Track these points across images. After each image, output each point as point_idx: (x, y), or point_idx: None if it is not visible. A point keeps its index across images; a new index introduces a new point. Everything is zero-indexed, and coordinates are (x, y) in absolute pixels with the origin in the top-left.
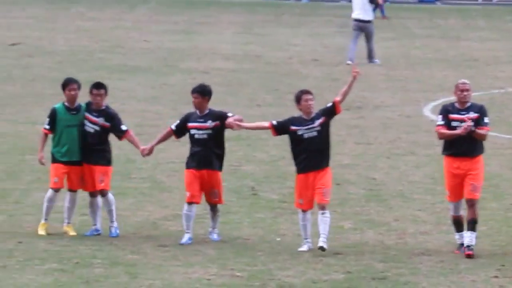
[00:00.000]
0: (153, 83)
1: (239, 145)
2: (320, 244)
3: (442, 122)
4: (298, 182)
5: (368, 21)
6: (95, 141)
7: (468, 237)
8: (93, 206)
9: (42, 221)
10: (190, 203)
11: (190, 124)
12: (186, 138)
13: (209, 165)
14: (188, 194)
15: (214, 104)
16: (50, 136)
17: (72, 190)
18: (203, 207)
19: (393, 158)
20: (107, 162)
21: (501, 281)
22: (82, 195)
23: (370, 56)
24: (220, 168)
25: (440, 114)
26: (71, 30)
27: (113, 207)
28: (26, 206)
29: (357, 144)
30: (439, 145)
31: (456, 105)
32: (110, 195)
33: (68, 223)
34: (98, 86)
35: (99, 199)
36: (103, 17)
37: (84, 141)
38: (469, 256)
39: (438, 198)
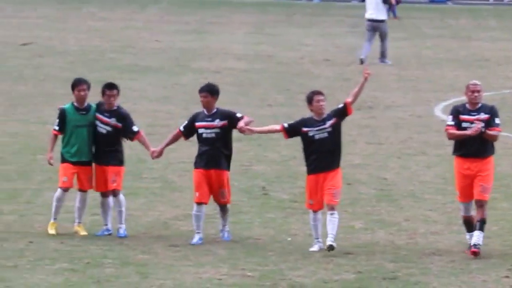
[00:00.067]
0: (165, 83)
1: (250, 145)
2: (329, 242)
3: (452, 123)
4: (308, 182)
5: (382, 21)
6: (108, 141)
7: (476, 236)
8: (104, 206)
9: (51, 221)
10: (199, 203)
11: (198, 124)
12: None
13: (217, 165)
14: (197, 194)
15: (225, 104)
16: (60, 136)
17: (82, 190)
18: (213, 207)
19: (404, 158)
20: (120, 162)
21: None
22: (93, 195)
23: (383, 56)
24: (228, 167)
25: (451, 114)
26: (82, 30)
27: (123, 209)
28: (37, 206)
29: (368, 144)
30: (450, 145)
31: (467, 106)
32: (122, 196)
33: (79, 223)
34: (111, 87)
35: (111, 200)
36: (114, 17)
37: (97, 142)
38: (474, 254)
39: (449, 198)
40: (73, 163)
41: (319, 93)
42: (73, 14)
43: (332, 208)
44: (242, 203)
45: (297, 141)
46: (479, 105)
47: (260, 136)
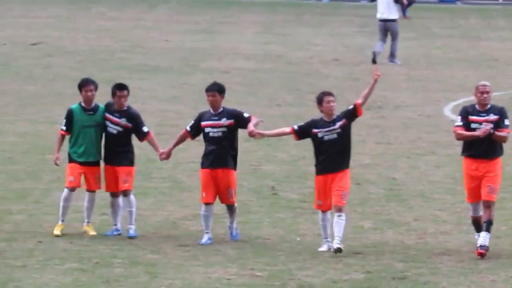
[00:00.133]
0: (174, 83)
1: (259, 145)
2: (336, 246)
3: (460, 123)
4: (317, 183)
5: (393, 20)
6: (119, 142)
7: (482, 237)
8: (114, 207)
9: (59, 223)
10: (206, 204)
11: (204, 123)
12: None
13: (224, 164)
14: (203, 194)
15: (234, 104)
16: (67, 136)
17: (90, 190)
18: (222, 206)
19: (413, 158)
20: (130, 162)
21: None
22: (102, 195)
23: (392, 56)
24: (234, 167)
25: (460, 115)
26: (92, 30)
27: (134, 209)
28: (46, 206)
29: (377, 144)
30: (459, 145)
31: (476, 106)
32: (132, 196)
33: (88, 222)
34: (121, 87)
35: (121, 200)
36: (124, 17)
37: (107, 142)
38: (481, 255)
39: (458, 198)
40: (80, 163)
41: (329, 94)
42: (83, 14)
43: (339, 210)
44: (251, 203)
45: (306, 141)
46: (488, 106)
47: None
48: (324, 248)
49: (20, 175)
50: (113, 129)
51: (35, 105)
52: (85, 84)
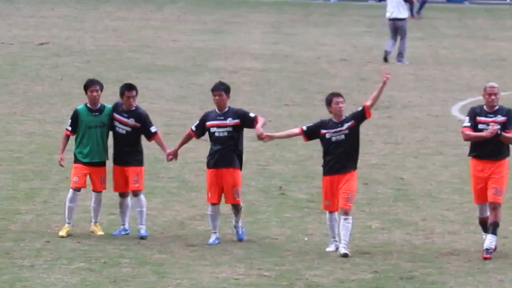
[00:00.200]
0: (181, 83)
1: (267, 144)
2: (343, 251)
3: (468, 124)
4: (324, 184)
5: (403, 19)
6: (128, 142)
7: (488, 239)
8: (122, 207)
9: (65, 225)
10: (212, 204)
11: (209, 123)
12: None
13: (229, 164)
14: (209, 195)
15: (242, 104)
16: (73, 137)
17: (95, 191)
18: (229, 206)
19: (421, 158)
20: (140, 162)
21: None
22: (110, 195)
23: (400, 55)
24: (240, 166)
25: (467, 115)
26: (100, 30)
27: (144, 209)
28: (53, 206)
29: (385, 144)
30: (467, 145)
31: (484, 107)
32: (142, 196)
33: (95, 222)
34: (130, 88)
35: (129, 200)
36: (132, 17)
37: (116, 142)
38: (486, 259)
39: (466, 198)
40: (86, 164)
41: (338, 95)
42: (91, 13)
43: (345, 213)
44: (259, 203)
45: (314, 141)
46: (497, 107)
47: None
48: (331, 248)
49: (28, 175)
50: (121, 129)
51: (43, 105)
52: (90, 85)
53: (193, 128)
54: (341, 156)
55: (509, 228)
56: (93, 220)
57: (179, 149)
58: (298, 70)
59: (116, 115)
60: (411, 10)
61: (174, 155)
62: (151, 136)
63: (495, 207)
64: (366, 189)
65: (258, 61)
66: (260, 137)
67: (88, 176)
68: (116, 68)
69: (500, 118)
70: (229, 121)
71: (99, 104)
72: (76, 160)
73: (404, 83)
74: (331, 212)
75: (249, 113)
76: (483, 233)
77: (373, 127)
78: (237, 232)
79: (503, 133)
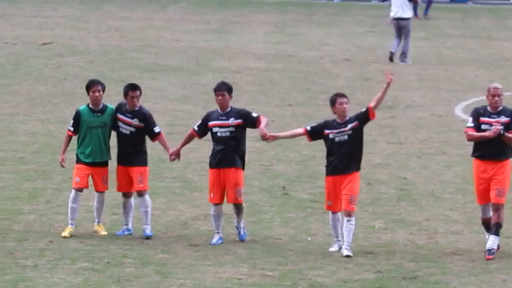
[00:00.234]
0: (185, 83)
1: (271, 144)
2: (345, 253)
3: (471, 124)
4: (326, 184)
5: (407, 19)
6: (132, 142)
7: (491, 240)
8: (126, 207)
9: (68, 226)
10: (215, 204)
11: (211, 123)
12: None
13: (231, 164)
14: (211, 195)
15: (245, 104)
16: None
17: (98, 191)
18: (232, 206)
19: (424, 158)
20: (144, 162)
21: None
22: (113, 195)
23: (404, 55)
24: (242, 166)
25: (471, 116)
26: (103, 30)
27: (149, 209)
28: (57, 206)
29: (388, 144)
30: (470, 145)
31: (488, 108)
32: (147, 196)
33: (98, 222)
34: (134, 88)
35: (133, 200)
36: (135, 17)
37: (120, 143)
38: (488, 259)
39: (469, 198)
40: (87, 164)
41: (342, 95)
42: (94, 13)
43: (348, 214)
44: (262, 203)
45: (317, 141)
46: (500, 108)
47: None
48: (334, 248)
49: (31, 175)
50: (125, 129)
51: (46, 105)
52: (92, 85)
53: (195, 128)
54: (344, 156)
55: None
56: (96, 220)
57: (181, 149)
58: (301, 70)
59: (120, 116)
60: (415, 10)
61: (176, 155)
62: (154, 136)
63: (497, 208)
64: (369, 189)
65: (261, 61)
66: (264, 138)
67: (90, 177)
68: (119, 68)
69: (504, 119)
70: (231, 121)
71: (101, 105)
72: (78, 161)
73: (407, 83)
74: (334, 212)
75: (252, 113)
76: (486, 233)
77: (376, 127)
78: (239, 232)
79: (506, 134)
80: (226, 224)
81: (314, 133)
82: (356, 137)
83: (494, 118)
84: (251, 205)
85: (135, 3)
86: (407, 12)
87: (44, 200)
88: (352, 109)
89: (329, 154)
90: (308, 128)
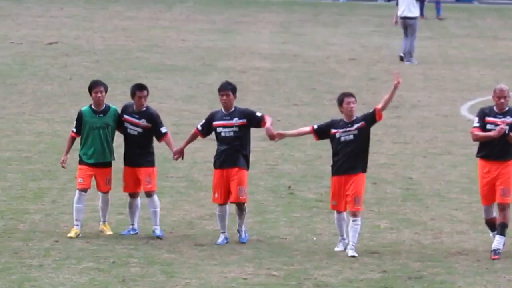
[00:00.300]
0: (190, 82)
1: (276, 144)
2: (350, 253)
3: (477, 124)
4: (332, 184)
5: (414, 18)
6: (140, 143)
7: (496, 240)
8: (132, 207)
9: (74, 227)
10: (219, 204)
11: (216, 123)
12: None
13: (235, 164)
14: (216, 195)
15: (251, 103)
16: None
17: (101, 191)
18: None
19: (429, 158)
20: (151, 163)
21: None
22: (119, 195)
23: (409, 54)
24: (246, 166)
25: (477, 116)
26: (109, 29)
27: (158, 209)
28: (62, 205)
29: (394, 143)
30: (475, 145)
31: (494, 108)
32: (156, 197)
33: (104, 221)
34: (141, 88)
35: (139, 200)
36: (141, 16)
37: (128, 144)
38: (494, 259)
39: (474, 198)
40: (90, 165)
41: (350, 95)
42: (100, 13)
43: (354, 215)
44: (268, 202)
45: (322, 140)
46: (506, 108)
47: None
48: (340, 247)
49: (37, 174)
50: (133, 130)
51: (52, 104)
52: (95, 86)
53: (199, 127)
54: (349, 156)
55: None
56: (101, 219)
57: (185, 147)
58: (307, 70)
59: (127, 117)
60: (421, 9)
61: (180, 154)
62: (161, 136)
63: (503, 208)
64: (375, 188)
65: (267, 61)
66: (272, 137)
67: (93, 177)
68: (125, 67)
69: (510, 119)
70: (235, 121)
71: (104, 105)
72: (81, 161)
73: (413, 82)
74: (339, 212)
75: (256, 112)
76: (490, 232)
77: (382, 127)
78: (240, 236)
79: (511, 134)
80: (232, 224)
81: (321, 132)
82: (362, 137)
83: (500, 118)
84: (256, 204)
85: (141, 3)
86: (414, 11)
87: (50, 199)
88: (358, 109)
89: (334, 154)
90: (315, 126)
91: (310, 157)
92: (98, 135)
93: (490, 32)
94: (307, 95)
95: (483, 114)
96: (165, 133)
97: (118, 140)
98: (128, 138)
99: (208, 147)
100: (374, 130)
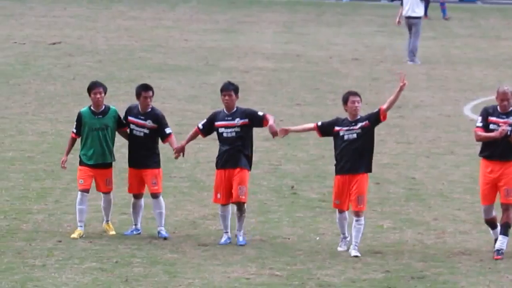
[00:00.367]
0: (193, 82)
1: (279, 144)
2: (353, 253)
3: (480, 124)
4: (335, 182)
5: (418, 18)
6: (146, 144)
7: (499, 241)
8: (136, 208)
9: (78, 228)
10: (222, 204)
11: (218, 123)
12: None
13: (237, 164)
14: (218, 196)
15: (254, 103)
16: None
17: (102, 192)
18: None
19: (432, 158)
20: (158, 164)
21: None
22: (122, 195)
23: (412, 54)
24: (247, 167)
25: (480, 115)
26: (112, 29)
27: (164, 210)
28: (65, 205)
29: (397, 143)
30: (478, 144)
31: (498, 108)
32: (161, 198)
33: (107, 221)
34: (147, 88)
35: (142, 201)
36: (144, 16)
37: (134, 145)
38: (497, 259)
39: (477, 198)
40: (90, 166)
41: (355, 94)
42: (103, 13)
43: (357, 215)
44: (270, 202)
45: (325, 140)
46: (510, 109)
47: (289, 135)
48: (343, 247)
49: (40, 174)
50: (139, 132)
51: (55, 104)
52: (94, 87)
53: (200, 126)
54: (352, 155)
55: None
56: (104, 219)
57: (186, 144)
58: (310, 70)
59: (132, 118)
60: (425, 9)
61: (181, 151)
62: (165, 137)
63: (507, 208)
64: (378, 188)
65: (270, 61)
66: (274, 134)
67: (93, 178)
68: (128, 67)
69: None
70: (237, 121)
71: (103, 107)
72: (81, 162)
73: (416, 82)
74: (341, 211)
75: (258, 112)
76: (491, 230)
77: (385, 127)
78: (238, 239)
79: None
80: (235, 224)
81: (325, 129)
82: (365, 137)
83: (503, 118)
84: (259, 204)
85: (144, 3)
86: (417, 11)
87: (53, 199)
88: (361, 109)
89: (337, 153)
90: (319, 123)
91: (313, 157)
92: (97, 136)
93: (493, 32)
94: (310, 95)
95: (486, 114)
96: (169, 134)
97: (122, 140)
98: (133, 139)
99: (211, 147)
100: (377, 130)
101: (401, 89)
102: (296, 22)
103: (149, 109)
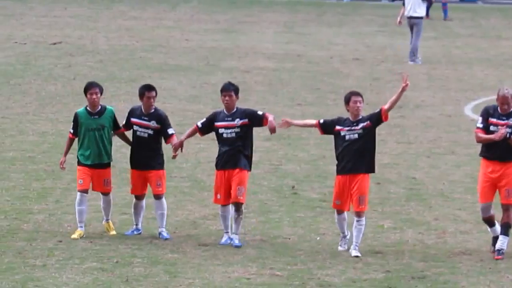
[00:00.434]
0: (194, 82)
1: (280, 144)
2: (354, 254)
3: (480, 125)
4: (336, 183)
5: (420, 18)
6: (150, 145)
7: (500, 241)
8: (137, 208)
9: (78, 229)
10: (223, 205)
11: (217, 124)
12: None
13: (236, 165)
14: (218, 196)
15: (255, 103)
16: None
17: (101, 192)
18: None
19: (433, 157)
20: (162, 165)
21: None
22: (123, 195)
23: (413, 54)
24: (247, 168)
25: (481, 116)
26: (113, 29)
27: (165, 212)
28: (66, 205)
29: (397, 143)
30: (479, 145)
31: (499, 109)
32: (164, 199)
33: (107, 220)
34: (150, 88)
35: (144, 202)
36: (145, 16)
37: (137, 147)
38: (497, 259)
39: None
40: (88, 166)
41: (357, 94)
42: (104, 13)
43: (358, 215)
44: (271, 202)
45: (326, 140)
46: (511, 110)
47: (290, 135)
48: (343, 247)
49: (41, 174)
50: (143, 133)
51: (56, 104)
52: (90, 88)
53: (199, 124)
54: (353, 155)
55: None
56: (104, 218)
57: (184, 140)
58: (311, 70)
59: (136, 120)
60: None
61: (180, 146)
62: (167, 137)
63: (507, 208)
64: (379, 188)
65: (271, 61)
66: (273, 130)
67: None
68: (129, 67)
69: None
70: (237, 121)
71: (99, 107)
72: (79, 163)
73: (417, 82)
74: (340, 212)
75: (257, 111)
76: (489, 228)
77: (386, 127)
78: (233, 241)
79: None
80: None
81: (326, 127)
82: (366, 137)
83: (503, 120)
84: (260, 204)
85: (145, 3)
86: (419, 11)
87: (53, 199)
88: (362, 109)
89: (340, 153)
90: (321, 121)
91: (313, 157)
92: (94, 137)
93: (494, 32)
94: (310, 95)
95: (487, 115)
96: (172, 135)
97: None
98: (137, 141)
99: (212, 147)
100: (378, 130)
101: (403, 89)
102: (297, 22)
103: (152, 110)
